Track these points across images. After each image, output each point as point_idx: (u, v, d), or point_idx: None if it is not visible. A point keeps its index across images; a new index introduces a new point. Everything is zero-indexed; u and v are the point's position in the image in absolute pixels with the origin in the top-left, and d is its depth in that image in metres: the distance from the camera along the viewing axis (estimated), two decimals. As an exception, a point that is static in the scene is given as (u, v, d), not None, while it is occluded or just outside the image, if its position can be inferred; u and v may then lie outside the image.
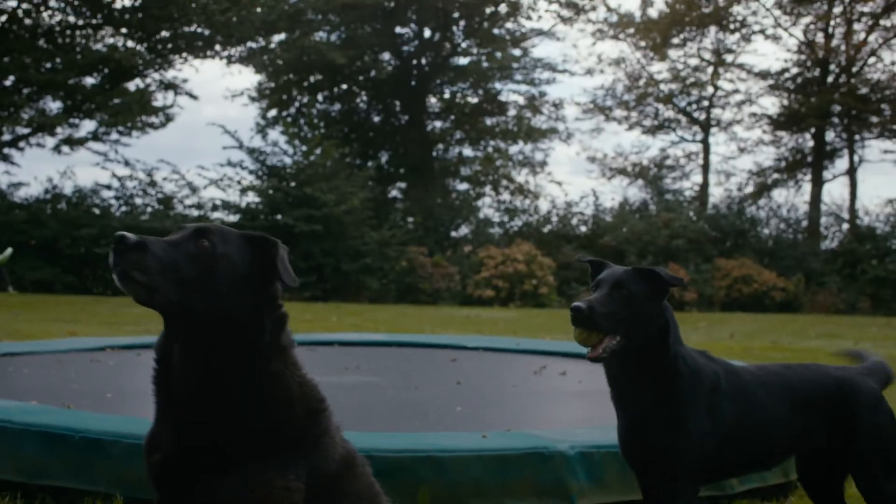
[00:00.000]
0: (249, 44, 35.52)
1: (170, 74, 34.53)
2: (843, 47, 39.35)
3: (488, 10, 39.86)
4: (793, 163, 41.90)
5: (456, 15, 40.05)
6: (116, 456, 4.57)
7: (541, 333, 17.18)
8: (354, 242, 29.42)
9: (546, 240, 33.88)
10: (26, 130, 32.67)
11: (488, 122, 42.51)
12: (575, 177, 66.99)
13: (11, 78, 31.82)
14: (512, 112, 42.52)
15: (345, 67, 37.42)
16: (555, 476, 4.64)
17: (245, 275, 2.79)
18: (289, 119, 37.78)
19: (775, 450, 3.88)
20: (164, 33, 32.92)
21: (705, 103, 43.54)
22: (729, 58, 42.59)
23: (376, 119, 42.00)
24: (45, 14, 32.02)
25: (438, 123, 42.63)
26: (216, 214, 30.83)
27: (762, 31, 41.27)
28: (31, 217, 28.68)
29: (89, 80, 33.38)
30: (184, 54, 33.90)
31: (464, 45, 41.30)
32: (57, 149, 32.99)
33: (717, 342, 15.74)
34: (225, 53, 35.12)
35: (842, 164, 40.57)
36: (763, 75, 41.57)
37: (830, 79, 39.96)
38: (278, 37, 36.43)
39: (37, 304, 21.21)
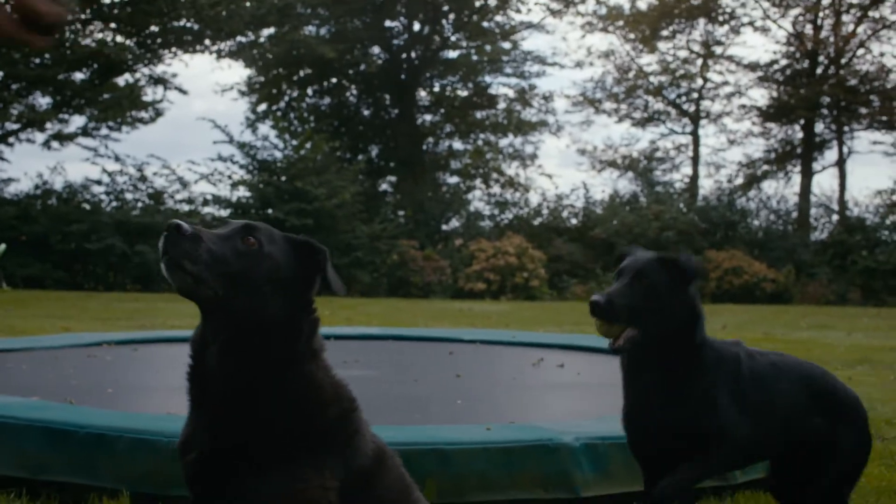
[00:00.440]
0: (239, 38, 35.45)
1: (159, 69, 34.43)
2: (831, 39, 39.44)
3: (478, 3, 39.87)
4: (782, 154, 41.97)
5: (445, 8, 39.98)
6: (121, 451, 4.57)
7: (533, 326, 17.22)
8: (345, 236, 29.45)
9: (537, 232, 33.91)
10: (16, 126, 32.53)
11: (478, 115, 42.46)
12: (565, 169, 67.16)
13: (0, 74, 31.71)
14: (502, 105, 42.54)
15: (334, 61, 37.34)
16: (560, 468, 4.65)
17: (288, 277, 2.79)
18: (279, 113, 37.76)
19: (792, 438, 3.81)
20: (154, 28, 32.82)
21: (695, 95, 43.58)
22: (718, 50, 42.65)
23: (366, 113, 41.93)
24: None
25: (428, 117, 42.55)
26: (207, 209, 30.84)
27: (751, 23, 41.34)
28: (22, 213, 28.62)
29: (79, 76, 33.26)
30: (173, 49, 33.80)
31: (453, 38, 41.26)
32: (47, 144, 32.87)
33: (709, 333, 15.73)
34: (214, 48, 35.04)
35: (831, 155, 40.80)
36: (752, 67, 41.65)
37: (819, 70, 40.05)
38: (268, 31, 36.37)
39: (29, 300, 21.19)
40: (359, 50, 39.36)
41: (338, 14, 38.18)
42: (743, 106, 42.72)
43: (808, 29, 39.94)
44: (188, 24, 33.03)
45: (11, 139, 32.75)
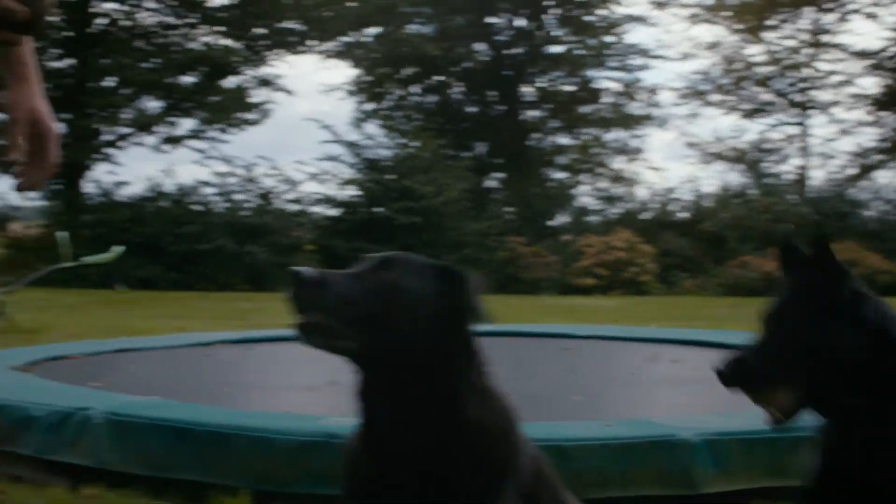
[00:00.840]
0: (343, 38, 35.73)
1: (265, 71, 34.85)
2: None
3: (581, -2, 39.64)
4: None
5: (548, 3, 39.81)
6: (241, 449, 4.62)
7: (644, 321, 16.97)
8: (453, 234, 29.45)
9: (645, 227, 33.51)
10: (127, 130, 33.18)
11: (583, 110, 42.20)
12: (671, 162, 66.54)
13: (113, 79, 32.36)
14: (606, 99, 42.21)
15: (438, 59, 37.44)
16: (680, 464, 4.58)
17: (433, 311, 2.53)
18: (386, 112, 37.95)
19: None
20: (260, 30, 33.24)
21: (803, 85, 42.75)
22: (826, 38, 41.80)
23: (471, 110, 41.94)
24: (142, 15, 32.58)
25: (533, 112, 42.40)
26: (315, 209, 31.18)
27: (859, 10, 40.42)
28: (135, 215, 29.12)
29: (187, 79, 33.83)
30: (278, 50, 34.21)
31: (557, 33, 41.06)
32: (157, 147, 33.50)
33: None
34: (319, 49, 35.38)
35: (949, 141, 39.67)
36: (862, 55, 40.72)
37: (932, 56, 39.06)
38: (373, 30, 36.62)
39: (144, 300, 21.57)
40: (463, 47, 39.39)
41: (440, 12, 38.28)
42: (854, 95, 41.81)
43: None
44: (293, 26, 33.40)
45: (123, 143, 33.40)
